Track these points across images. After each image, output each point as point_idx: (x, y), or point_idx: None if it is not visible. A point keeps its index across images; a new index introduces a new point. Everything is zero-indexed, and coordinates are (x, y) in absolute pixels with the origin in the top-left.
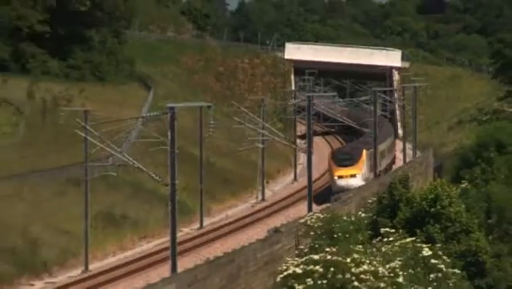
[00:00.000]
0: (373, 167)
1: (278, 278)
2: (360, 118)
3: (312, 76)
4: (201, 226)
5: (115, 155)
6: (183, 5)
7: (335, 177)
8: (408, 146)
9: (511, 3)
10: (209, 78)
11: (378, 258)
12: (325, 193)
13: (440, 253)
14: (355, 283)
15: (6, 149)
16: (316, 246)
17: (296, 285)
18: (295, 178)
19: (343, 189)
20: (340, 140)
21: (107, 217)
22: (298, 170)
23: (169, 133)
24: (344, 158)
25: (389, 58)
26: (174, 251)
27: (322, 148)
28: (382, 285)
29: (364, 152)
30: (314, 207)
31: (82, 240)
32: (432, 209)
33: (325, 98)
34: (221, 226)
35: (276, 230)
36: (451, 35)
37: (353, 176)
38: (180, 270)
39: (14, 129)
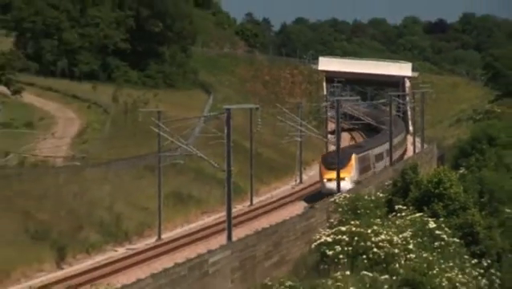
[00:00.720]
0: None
1: (313, 246)
2: (379, 117)
3: (340, 84)
4: (251, 204)
5: (183, 146)
6: (237, 27)
7: (325, 180)
8: (417, 140)
9: (499, 26)
10: (257, 85)
11: (393, 230)
12: (317, 195)
13: (442, 225)
14: (375, 250)
15: (96, 142)
16: (343, 219)
17: (327, 251)
18: None
19: (332, 192)
20: (363, 135)
21: (176, 196)
22: None
23: (226, 129)
24: (334, 162)
25: (402, 69)
26: (230, 224)
27: (347, 141)
28: (396, 251)
29: (353, 156)
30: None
31: (156, 215)
32: (437, 190)
33: (350, 101)
34: (267, 204)
35: (311, 207)
36: (451, 51)
37: (342, 179)
38: (234, 238)
39: (102, 126)
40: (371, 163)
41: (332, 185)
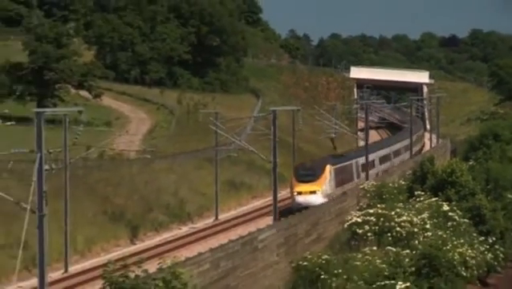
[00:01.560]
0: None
1: (345, 225)
2: (401, 117)
3: (368, 89)
4: None
5: (236, 142)
6: (281, 41)
7: (295, 193)
8: (433, 136)
9: (503, 40)
10: (298, 90)
11: (413, 212)
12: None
13: (454, 208)
14: (398, 229)
15: (163, 138)
16: (371, 203)
17: (357, 229)
18: None
19: (301, 206)
20: (387, 132)
21: (230, 183)
22: None
23: (272, 127)
24: (306, 174)
25: (420, 77)
26: (275, 206)
27: (374, 137)
28: (415, 230)
29: (328, 168)
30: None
31: (213, 199)
32: (450, 179)
33: (377, 104)
34: None
35: (344, 193)
36: (462, 61)
37: (313, 192)
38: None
39: (168, 125)
40: (353, 174)
41: (302, 199)
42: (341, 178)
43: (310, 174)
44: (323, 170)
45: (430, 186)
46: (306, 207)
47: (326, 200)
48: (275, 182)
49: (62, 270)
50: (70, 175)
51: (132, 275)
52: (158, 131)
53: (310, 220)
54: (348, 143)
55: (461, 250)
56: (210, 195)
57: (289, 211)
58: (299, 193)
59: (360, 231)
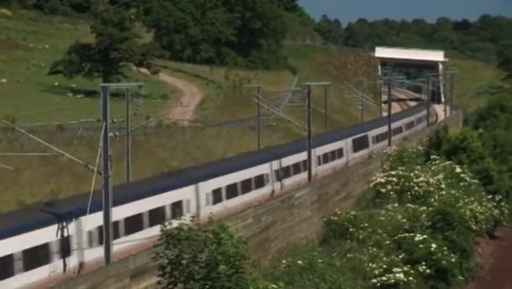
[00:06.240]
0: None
1: (371, 185)
2: (419, 91)
3: (391, 66)
4: None
5: (275, 113)
6: (315, 25)
7: None
8: (447, 108)
9: (510, 24)
10: (330, 68)
11: (429, 173)
12: None
13: (466, 170)
14: (416, 188)
15: (213, 109)
16: (393, 166)
17: (381, 189)
18: None
19: None
20: (407, 105)
21: None
22: None
23: (306, 100)
24: None
25: (436, 56)
26: (309, 169)
27: (396, 108)
28: (431, 189)
29: None
30: None
31: None
32: (462, 145)
33: (398, 80)
34: None
35: (370, 156)
36: (473, 42)
37: None
38: (313, 180)
39: (217, 98)
40: None
41: None
42: None
43: None
44: None
45: (444, 151)
46: None
47: None
48: (309, 147)
49: None
50: (131, 141)
51: (186, 228)
52: (208, 103)
53: (341, 180)
54: (373, 113)
55: (471, 206)
56: None
57: None
58: None
59: (383, 190)
